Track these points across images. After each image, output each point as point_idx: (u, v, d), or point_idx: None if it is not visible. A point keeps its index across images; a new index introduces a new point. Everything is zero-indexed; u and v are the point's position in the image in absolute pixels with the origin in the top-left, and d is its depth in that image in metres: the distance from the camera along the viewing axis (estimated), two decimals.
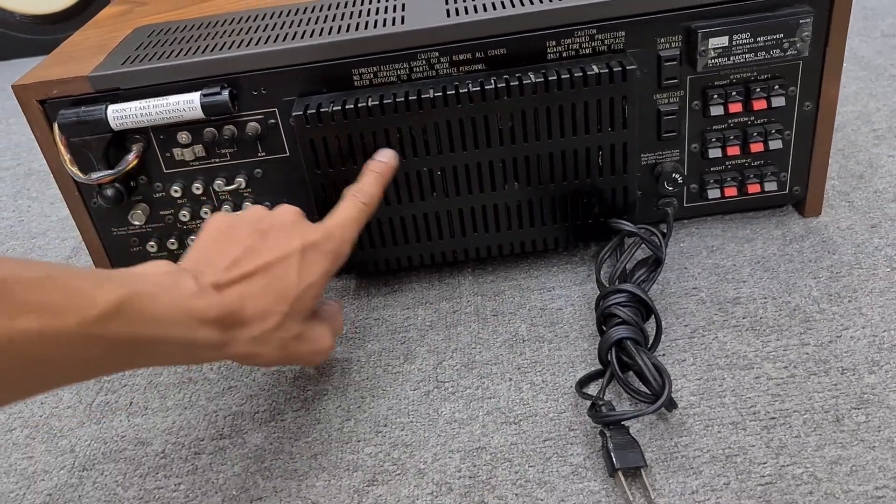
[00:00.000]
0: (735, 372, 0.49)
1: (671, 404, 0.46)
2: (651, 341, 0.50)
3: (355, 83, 0.54)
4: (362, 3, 0.59)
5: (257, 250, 0.43)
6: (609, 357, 0.48)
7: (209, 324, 0.39)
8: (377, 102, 0.52)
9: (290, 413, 0.51)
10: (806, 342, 0.50)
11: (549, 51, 0.53)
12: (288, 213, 0.46)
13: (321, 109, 0.52)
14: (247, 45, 0.54)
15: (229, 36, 0.57)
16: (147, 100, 0.53)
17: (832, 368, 0.48)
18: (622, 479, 0.42)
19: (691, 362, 0.50)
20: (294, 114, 0.52)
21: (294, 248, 0.43)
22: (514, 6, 0.53)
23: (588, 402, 0.47)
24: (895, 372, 0.47)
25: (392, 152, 0.52)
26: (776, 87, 0.55)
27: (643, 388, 0.47)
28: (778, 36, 0.52)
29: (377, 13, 0.56)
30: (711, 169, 0.59)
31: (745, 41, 0.52)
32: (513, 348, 0.53)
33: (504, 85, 0.52)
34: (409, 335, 0.56)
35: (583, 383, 0.49)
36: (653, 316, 0.51)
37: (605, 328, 0.51)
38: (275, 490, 0.45)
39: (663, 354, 0.51)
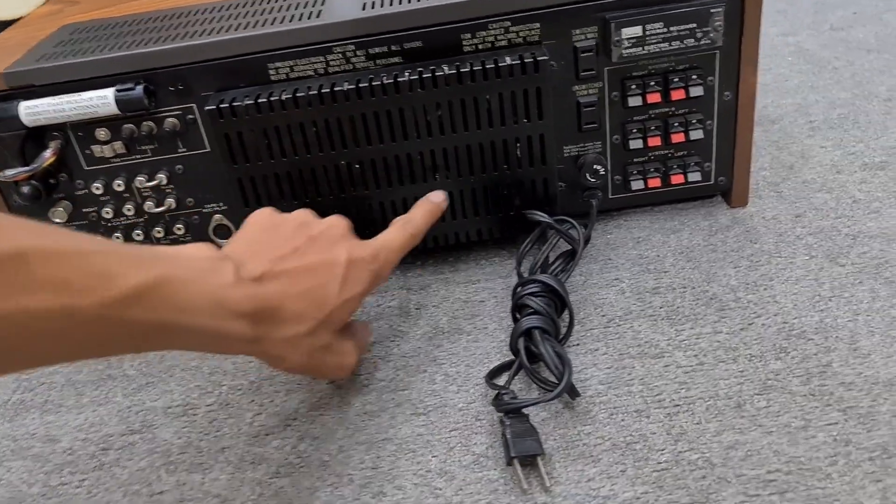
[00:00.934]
0: (645, 361, 0.49)
1: (573, 392, 0.46)
2: (564, 332, 0.50)
3: (272, 78, 0.54)
4: None
5: (304, 252, 0.42)
6: (518, 346, 0.48)
7: (242, 317, 0.38)
8: (290, 96, 0.52)
9: (203, 408, 0.51)
10: (719, 330, 0.50)
11: (464, 43, 0.53)
12: (338, 224, 0.46)
13: (234, 104, 0.52)
14: (164, 41, 0.54)
15: (150, 32, 0.57)
16: (60, 96, 0.52)
17: (741, 356, 0.48)
18: (517, 466, 0.42)
19: (603, 352, 0.50)
20: (206, 108, 0.52)
21: (340, 259, 0.43)
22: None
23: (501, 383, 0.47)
24: (801, 357, 0.47)
25: (444, 194, 0.54)
26: (694, 76, 0.55)
27: (552, 378, 0.47)
28: (691, 25, 0.52)
29: (296, 8, 0.56)
30: (634, 160, 0.59)
31: (658, 31, 0.53)
32: (431, 340, 0.53)
33: (418, 77, 0.52)
34: None
35: (494, 374, 0.49)
36: (566, 305, 0.51)
37: (517, 316, 0.51)
38: (178, 484, 0.45)
39: (577, 344, 0.51)
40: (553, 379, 0.47)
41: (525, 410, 0.45)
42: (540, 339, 0.47)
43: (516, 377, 0.48)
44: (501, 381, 0.48)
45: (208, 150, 0.56)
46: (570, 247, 0.56)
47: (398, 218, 0.51)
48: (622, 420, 0.45)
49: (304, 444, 0.47)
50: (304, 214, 0.46)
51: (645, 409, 0.45)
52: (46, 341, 0.31)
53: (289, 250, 0.42)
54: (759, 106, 0.77)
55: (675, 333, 0.50)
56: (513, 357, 0.49)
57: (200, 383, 0.53)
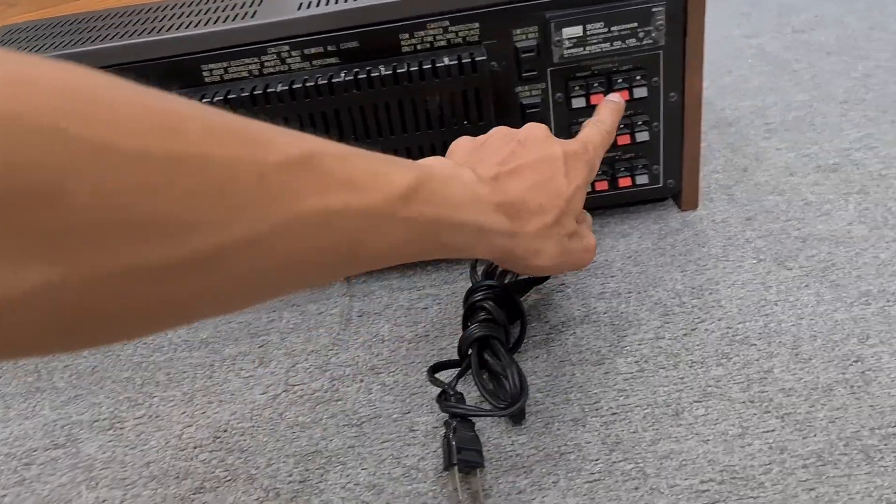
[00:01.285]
0: (586, 368, 0.47)
1: (521, 415, 0.44)
2: (514, 341, 0.49)
3: (206, 79, 0.53)
4: (222, 0, 0.58)
5: (520, 154, 0.42)
6: (469, 352, 0.47)
7: (498, 209, 0.38)
8: (222, 98, 0.50)
9: (132, 421, 0.49)
10: (661, 336, 0.49)
11: (403, 44, 0.52)
12: (538, 128, 0.45)
13: None
14: (94, 42, 0.52)
15: (83, 33, 0.55)
16: None
17: (682, 362, 0.47)
18: (456, 475, 0.40)
19: (544, 359, 0.49)
20: None
21: (558, 153, 0.43)
22: None
23: (438, 390, 0.45)
24: (743, 363, 0.46)
25: (619, 95, 0.53)
26: (638, 77, 0.54)
27: (491, 388, 0.46)
28: (632, 25, 0.51)
29: (231, 9, 0.55)
30: None
31: (599, 31, 0.52)
32: (371, 349, 0.52)
33: (353, 78, 0.50)
34: (269, 339, 0.54)
35: (436, 369, 0.47)
36: (519, 314, 0.49)
37: (469, 323, 0.49)
38: (97, 500, 0.43)
39: (520, 351, 0.50)
40: (492, 388, 0.45)
41: (471, 419, 0.43)
42: (503, 351, 0.46)
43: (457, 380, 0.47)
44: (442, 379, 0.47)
45: None
46: None
47: (588, 120, 0.50)
48: (558, 429, 0.44)
49: (233, 456, 0.45)
50: (501, 129, 0.45)
51: (582, 417, 0.44)
52: (342, 246, 0.30)
53: (507, 154, 0.42)
54: (717, 108, 0.76)
55: (618, 339, 0.49)
56: (458, 357, 0.48)
57: (131, 395, 0.51)
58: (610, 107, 0.51)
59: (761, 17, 0.99)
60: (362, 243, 0.31)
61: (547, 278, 0.53)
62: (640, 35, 0.52)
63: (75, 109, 0.21)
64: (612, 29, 0.51)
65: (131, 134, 0.22)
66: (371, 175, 0.31)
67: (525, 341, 0.50)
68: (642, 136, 0.56)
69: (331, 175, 0.29)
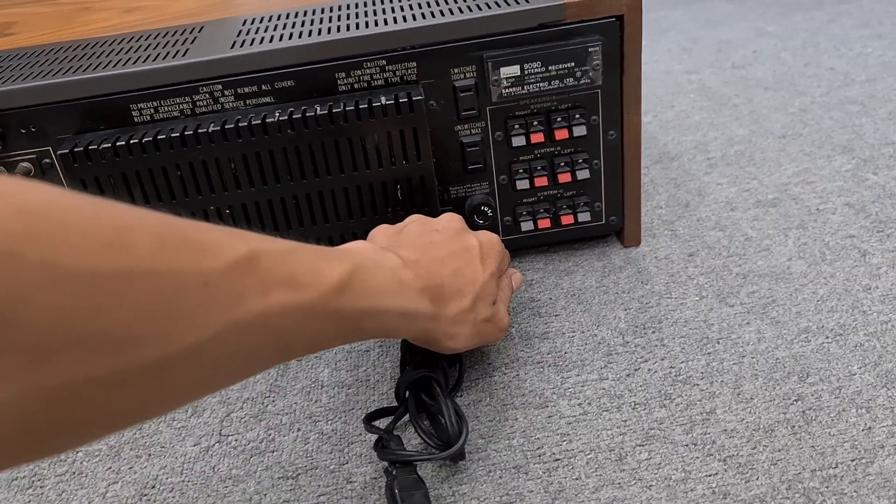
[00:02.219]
0: (529, 411, 0.46)
1: (460, 455, 0.43)
2: (453, 383, 0.48)
3: (135, 119, 0.51)
4: (154, 38, 0.56)
5: (438, 244, 0.44)
6: (406, 395, 0.46)
7: (421, 293, 0.40)
8: (151, 139, 0.49)
9: (53, 478, 0.46)
10: (605, 377, 0.48)
11: (339, 83, 0.51)
12: (455, 219, 0.47)
13: (90, 147, 0.48)
14: (16, 80, 0.50)
15: (8, 71, 0.53)
16: None
17: (625, 404, 0.46)
18: None
19: (487, 402, 0.48)
20: (59, 152, 0.48)
21: (473, 243, 0.45)
22: (300, 38, 0.51)
23: (374, 437, 0.44)
24: (686, 404, 0.45)
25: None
26: (577, 116, 0.54)
27: (433, 431, 0.44)
28: (569, 65, 0.51)
29: (163, 46, 0.53)
30: (523, 201, 0.57)
31: (537, 70, 0.51)
32: (309, 395, 0.50)
33: (287, 118, 0.49)
34: None
35: (373, 417, 0.46)
36: (459, 356, 0.48)
37: (408, 366, 0.48)
38: None
39: (460, 395, 0.48)
40: (431, 430, 0.44)
41: (414, 463, 0.42)
42: (439, 392, 0.44)
43: (395, 425, 0.46)
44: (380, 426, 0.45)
45: None
46: None
47: None
48: (500, 477, 0.42)
49: None
50: (418, 218, 0.48)
51: (524, 464, 0.43)
52: (275, 343, 0.31)
53: (425, 243, 0.44)
54: (660, 143, 0.77)
55: (561, 381, 0.48)
56: (396, 402, 0.47)
57: None
58: None
59: (701, 53, 1.01)
60: (295, 338, 0.32)
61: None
62: (578, 74, 0.52)
63: (30, 233, 0.22)
64: (550, 68, 0.51)
65: (84, 254, 0.23)
66: (309, 271, 0.32)
67: (467, 384, 0.49)
68: (583, 174, 0.56)
69: (271, 275, 0.30)
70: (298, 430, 0.48)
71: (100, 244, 0.24)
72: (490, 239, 0.47)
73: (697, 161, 0.73)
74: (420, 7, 0.54)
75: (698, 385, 0.46)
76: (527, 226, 0.58)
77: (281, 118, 0.49)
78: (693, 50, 1.03)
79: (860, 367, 0.46)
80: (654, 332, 0.51)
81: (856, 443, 0.41)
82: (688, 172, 0.71)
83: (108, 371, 0.24)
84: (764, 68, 0.93)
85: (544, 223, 0.58)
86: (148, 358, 0.25)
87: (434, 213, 0.53)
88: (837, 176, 0.67)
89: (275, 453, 0.46)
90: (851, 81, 0.85)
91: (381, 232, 0.47)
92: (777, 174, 0.68)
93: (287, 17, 0.56)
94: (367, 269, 0.36)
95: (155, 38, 0.56)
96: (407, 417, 0.46)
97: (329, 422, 0.48)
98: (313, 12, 0.57)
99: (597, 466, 0.42)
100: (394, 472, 0.41)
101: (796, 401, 0.44)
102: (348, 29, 0.51)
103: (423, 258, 0.42)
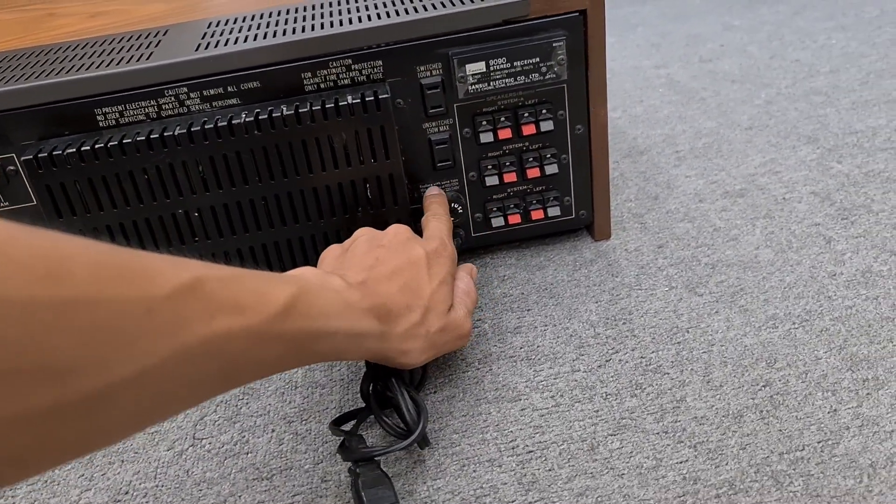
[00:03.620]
0: (502, 405, 0.47)
1: (424, 441, 0.43)
2: (418, 380, 0.48)
3: (100, 124, 0.51)
4: (119, 42, 0.56)
5: (385, 260, 0.44)
6: (369, 390, 0.46)
7: (368, 313, 0.40)
8: (117, 143, 0.48)
9: (24, 487, 0.46)
10: (577, 368, 0.49)
11: (305, 83, 0.51)
12: (401, 230, 0.47)
13: (55, 153, 0.48)
14: None
15: None
16: None
17: (596, 395, 0.46)
18: None
19: (460, 398, 0.48)
20: (23, 158, 0.48)
21: (419, 254, 0.45)
22: (265, 38, 0.51)
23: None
24: (656, 393, 0.46)
25: (436, 188, 0.56)
26: (543, 111, 0.54)
27: (401, 427, 0.44)
28: (534, 60, 0.52)
29: (127, 50, 0.53)
30: (493, 197, 0.57)
31: (502, 66, 0.52)
32: (283, 396, 0.50)
33: (254, 119, 0.49)
34: None
35: (339, 422, 0.46)
36: None
37: (372, 364, 0.48)
38: None
39: (434, 392, 0.49)
40: (402, 427, 0.44)
41: (376, 458, 0.42)
42: (396, 385, 0.44)
43: (365, 426, 0.46)
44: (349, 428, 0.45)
45: (34, 202, 0.52)
46: None
47: (425, 217, 0.52)
48: (474, 471, 0.42)
49: None
50: (365, 232, 0.48)
51: (498, 457, 0.43)
52: (221, 369, 0.31)
53: (372, 261, 0.44)
54: (629, 137, 0.78)
55: (534, 374, 0.49)
56: (363, 405, 0.47)
57: None
58: (437, 199, 0.54)
59: (670, 48, 1.02)
60: (241, 363, 0.32)
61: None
62: (543, 70, 0.52)
63: None
64: (515, 64, 0.52)
65: (19, 284, 0.23)
66: (253, 295, 0.32)
67: (441, 380, 0.49)
68: (551, 169, 0.56)
69: (215, 299, 0.30)
70: (273, 431, 0.47)
71: (38, 273, 0.23)
72: (436, 246, 0.47)
73: (666, 154, 0.74)
74: (385, 6, 0.54)
75: (668, 374, 0.47)
76: (497, 222, 0.58)
77: (247, 119, 0.49)
78: (662, 45, 1.04)
79: (826, 352, 0.47)
80: (624, 324, 0.52)
81: (822, 425, 0.42)
82: (657, 166, 0.72)
83: (48, 402, 0.23)
84: (731, 62, 0.94)
85: (514, 219, 0.58)
86: (90, 387, 0.24)
87: (404, 211, 0.53)
88: (803, 165, 0.68)
89: (249, 455, 0.46)
90: (816, 73, 0.87)
91: (330, 254, 0.47)
92: (744, 165, 0.69)
93: (252, 18, 0.56)
94: (312, 292, 0.36)
95: (119, 41, 0.56)
96: (373, 418, 0.46)
97: (303, 422, 0.48)
98: (278, 13, 0.57)
99: (569, 457, 0.42)
100: (357, 471, 0.41)
101: (764, 386, 0.45)
102: (314, 29, 0.51)
103: (370, 277, 0.42)
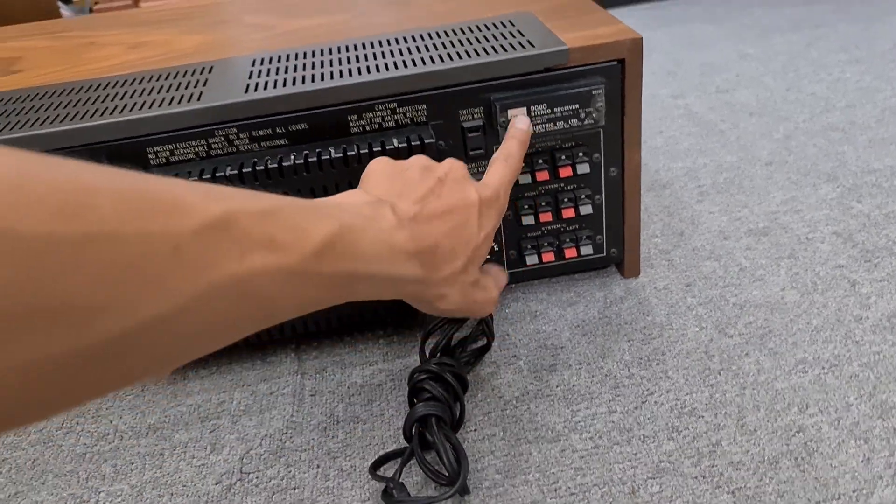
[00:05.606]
0: (542, 445, 0.48)
1: (464, 489, 0.44)
2: (458, 417, 0.49)
3: (151, 162, 0.52)
4: (166, 79, 0.57)
5: (439, 194, 0.42)
6: (412, 433, 0.47)
7: (412, 257, 0.39)
8: None
9: None
10: (613, 409, 0.50)
11: (351, 124, 0.53)
12: (458, 166, 0.45)
13: None
14: (28, 126, 0.51)
15: (20, 114, 0.54)
16: None
17: (634, 437, 0.48)
18: None
19: (501, 436, 0.49)
20: None
21: (473, 199, 0.43)
22: (313, 81, 0.52)
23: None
24: (692, 437, 0.47)
25: (528, 120, 0.52)
26: (580, 154, 0.56)
27: (444, 472, 0.46)
28: (574, 106, 0.53)
29: (175, 89, 0.54)
30: (528, 235, 0.59)
31: (542, 112, 0.53)
32: (326, 431, 0.51)
33: (303, 161, 0.50)
34: (220, 422, 0.53)
35: (378, 464, 0.47)
36: (464, 390, 0.50)
37: (415, 402, 0.49)
38: None
39: (474, 430, 0.50)
40: (445, 472, 0.45)
41: None
42: (436, 429, 0.46)
43: (407, 466, 0.47)
44: (392, 470, 0.47)
45: None
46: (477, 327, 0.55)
47: (497, 154, 0.50)
48: None
49: None
50: (421, 159, 0.46)
51: (541, 499, 0.45)
52: (254, 306, 0.30)
53: (425, 191, 0.42)
54: (651, 170, 0.79)
55: (572, 414, 0.50)
56: (404, 444, 0.48)
57: (75, 491, 0.49)
58: (519, 138, 0.51)
59: (686, 76, 1.04)
60: (275, 302, 0.31)
61: (464, 321, 0.53)
62: (582, 115, 0.54)
63: None
64: (555, 110, 0.53)
65: (38, 219, 0.22)
66: (289, 231, 0.31)
67: (480, 418, 0.51)
68: (586, 210, 0.58)
69: (248, 237, 0.29)
70: (318, 466, 0.49)
71: (56, 206, 0.22)
72: (490, 195, 0.45)
73: (689, 189, 0.75)
74: (428, 49, 0.55)
75: (703, 417, 0.48)
76: (531, 259, 0.59)
77: (297, 161, 0.50)
78: (677, 73, 1.06)
79: (856, 398, 0.48)
80: (658, 364, 0.53)
81: (856, 474, 0.43)
82: (680, 200, 0.74)
83: (70, 343, 0.22)
84: (747, 93, 0.96)
85: (548, 257, 0.59)
86: (114, 328, 0.23)
87: None
88: (824, 204, 0.70)
89: (297, 490, 0.47)
90: (832, 107, 0.89)
91: (378, 168, 0.45)
92: (766, 202, 0.71)
93: (296, 57, 0.58)
94: (355, 231, 0.35)
95: (167, 78, 0.57)
96: (415, 460, 0.47)
97: (347, 458, 0.49)
98: (321, 52, 0.58)
99: (611, 500, 0.44)
100: None
101: (798, 432, 0.46)
102: (360, 73, 0.53)
103: (422, 212, 0.40)
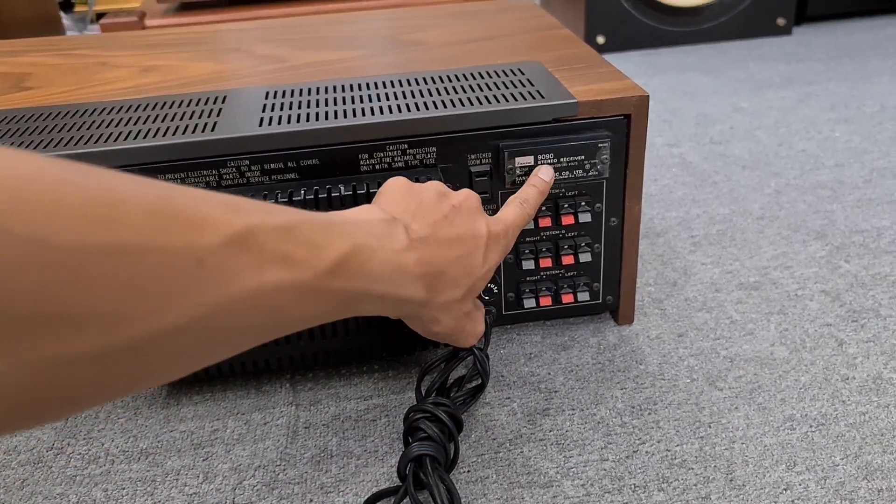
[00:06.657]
0: (535, 491, 0.49)
1: None
2: (451, 458, 0.50)
3: None
4: (179, 106, 0.58)
5: (452, 221, 0.43)
6: (406, 472, 0.47)
7: (418, 280, 0.40)
8: None
9: None
10: (605, 457, 0.51)
11: (362, 163, 0.54)
12: (473, 197, 0.47)
13: None
14: (42, 147, 0.52)
15: (30, 134, 0.54)
16: None
17: (625, 486, 0.48)
18: None
19: (494, 479, 0.50)
20: None
21: (483, 232, 0.45)
22: (326, 119, 0.53)
23: None
24: (682, 489, 0.48)
25: (552, 172, 0.53)
26: (582, 203, 0.57)
27: None
28: (580, 157, 0.55)
29: (189, 117, 0.55)
30: (527, 279, 0.60)
31: (549, 161, 0.55)
32: (319, 465, 0.52)
33: (313, 196, 0.51)
34: (213, 450, 0.53)
35: (372, 501, 0.47)
36: (458, 432, 0.50)
37: (410, 441, 0.50)
38: None
39: (467, 471, 0.50)
40: None
41: None
42: (430, 470, 0.46)
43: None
44: None
45: None
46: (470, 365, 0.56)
47: (514, 196, 0.51)
48: None
49: None
50: (439, 185, 0.47)
51: None
52: (267, 319, 0.31)
53: (439, 216, 0.43)
54: (646, 217, 0.81)
55: (564, 460, 0.51)
56: (397, 483, 0.48)
57: None
58: (540, 187, 0.53)
59: (681, 126, 1.06)
60: (286, 314, 0.32)
61: (461, 358, 0.53)
62: (587, 166, 0.55)
63: (18, 206, 0.22)
64: (562, 160, 0.55)
65: (70, 229, 0.23)
66: (305, 248, 0.32)
67: (473, 459, 0.51)
68: (585, 257, 0.59)
69: (266, 251, 0.30)
70: (311, 500, 0.49)
71: (88, 217, 0.23)
72: (498, 231, 0.46)
73: (682, 238, 0.77)
74: (440, 93, 0.57)
75: (693, 469, 0.49)
76: (529, 303, 0.60)
77: (307, 196, 0.51)
78: (673, 122, 1.08)
79: (842, 458, 0.49)
80: (650, 414, 0.54)
81: None
82: (673, 249, 0.75)
83: (95, 347, 0.24)
84: (741, 146, 0.98)
85: (545, 301, 0.60)
86: (137, 335, 0.25)
87: None
88: (813, 262, 0.71)
89: None
90: (821, 165, 0.91)
91: (395, 187, 0.45)
92: (757, 256, 0.73)
93: (309, 92, 0.59)
94: (367, 251, 0.36)
95: (179, 105, 0.58)
96: (408, 500, 0.47)
97: (340, 493, 0.49)
98: (335, 89, 0.59)
99: None
100: None
101: (785, 490, 0.47)
102: (373, 112, 0.54)
103: (433, 235, 0.42)
